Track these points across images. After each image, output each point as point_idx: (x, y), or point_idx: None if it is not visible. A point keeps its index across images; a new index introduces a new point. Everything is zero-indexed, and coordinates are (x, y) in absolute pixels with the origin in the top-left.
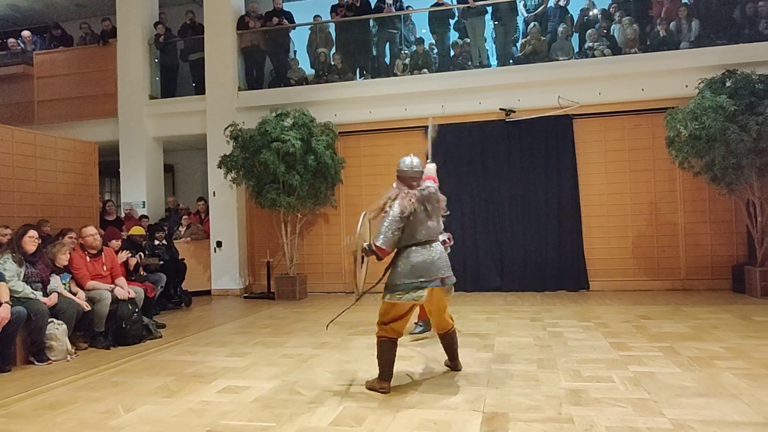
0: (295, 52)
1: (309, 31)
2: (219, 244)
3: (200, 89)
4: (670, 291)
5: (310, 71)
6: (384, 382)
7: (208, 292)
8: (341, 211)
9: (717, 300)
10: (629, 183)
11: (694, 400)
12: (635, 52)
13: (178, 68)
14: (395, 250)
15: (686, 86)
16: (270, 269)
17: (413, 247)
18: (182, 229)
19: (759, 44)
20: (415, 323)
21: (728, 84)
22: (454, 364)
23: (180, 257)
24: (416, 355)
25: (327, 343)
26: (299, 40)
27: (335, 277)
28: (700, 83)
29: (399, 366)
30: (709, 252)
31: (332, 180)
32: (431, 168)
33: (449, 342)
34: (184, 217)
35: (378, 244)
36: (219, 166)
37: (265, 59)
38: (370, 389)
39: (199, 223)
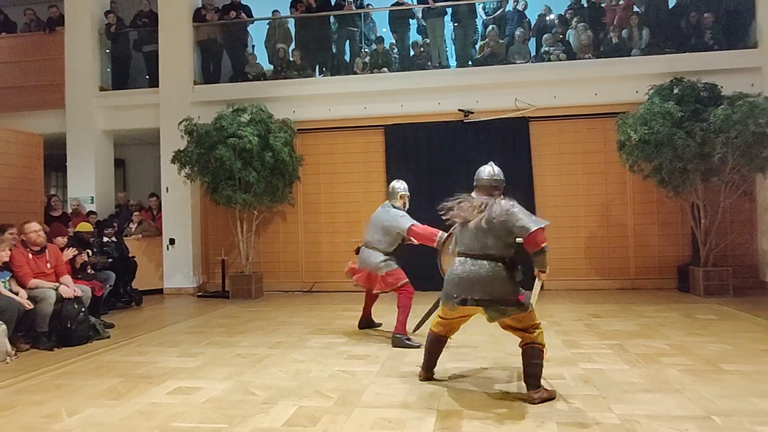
0: (253, 46)
1: (267, 26)
2: (172, 241)
3: (154, 82)
4: (620, 290)
5: (268, 67)
6: (423, 372)
7: (160, 291)
8: (299, 209)
9: (663, 299)
10: (582, 185)
11: (640, 395)
12: (589, 58)
13: (130, 59)
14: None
15: (637, 92)
16: (225, 267)
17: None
18: (133, 226)
19: (704, 54)
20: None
21: (676, 91)
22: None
23: (130, 255)
24: (372, 354)
25: (282, 343)
26: (257, 34)
27: (292, 275)
28: (649, 89)
29: (357, 365)
30: (657, 253)
31: (290, 177)
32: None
33: (524, 357)
34: (135, 213)
35: (540, 226)
36: (173, 162)
37: (222, 53)
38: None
39: (151, 220)
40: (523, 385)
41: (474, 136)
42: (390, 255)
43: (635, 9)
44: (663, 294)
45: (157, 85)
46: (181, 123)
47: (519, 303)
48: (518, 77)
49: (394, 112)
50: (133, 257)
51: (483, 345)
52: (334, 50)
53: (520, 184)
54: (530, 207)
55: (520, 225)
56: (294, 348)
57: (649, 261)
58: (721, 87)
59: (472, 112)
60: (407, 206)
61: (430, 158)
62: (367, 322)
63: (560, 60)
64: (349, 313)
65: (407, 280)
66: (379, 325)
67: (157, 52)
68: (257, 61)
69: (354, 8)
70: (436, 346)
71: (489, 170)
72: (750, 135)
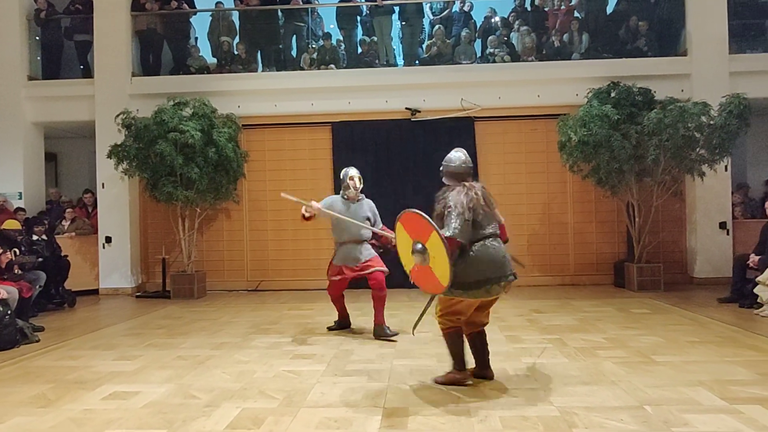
0: (196, 38)
1: (211, 18)
2: (108, 239)
3: (88, 72)
4: (560, 286)
5: (211, 60)
6: (462, 372)
7: (95, 292)
8: (244, 206)
9: (601, 294)
10: (525, 184)
11: (578, 388)
12: (532, 60)
13: (62, 48)
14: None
15: (577, 95)
16: (165, 266)
17: (485, 241)
18: (66, 224)
19: (639, 59)
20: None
21: (613, 95)
22: (485, 372)
23: (63, 254)
24: (318, 353)
25: (226, 344)
26: (200, 26)
27: (237, 274)
28: (588, 93)
29: (303, 365)
30: (595, 250)
31: (234, 174)
32: None
33: (477, 343)
34: (68, 210)
35: (448, 234)
36: (109, 156)
37: (162, 44)
38: (451, 383)
39: (86, 217)
40: (471, 380)
41: (421, 135)
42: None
43: (576, 14)
44: (600, 289)
45: (92, 76)
46: (118, 116)
47: None
48: (464, 77)
49: (341, 110)
50: (66, 256)
51: (428, 341)
52: (280, 45)
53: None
54: None
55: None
56: (238, 348)
57: (588, 258)
58: (655, 92)
59: (419, 111)
60: (359, 190)
61: (378, 156)
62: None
63: (505, 62)
64: (296, 312)
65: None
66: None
67: (90, 41)
68: (200, 54)
69: (300, 3)
70: (461, 339)
71: (462, 157)
72: (680, 138)
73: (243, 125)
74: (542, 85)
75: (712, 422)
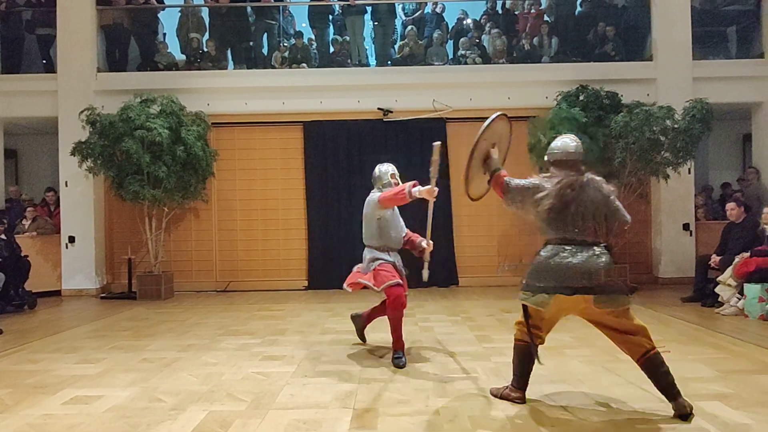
0: (164, 34)
1: (179, 14)
2: (72, 239)
3: (51, 67)
4: None
5: (180, 56)
6: (517, 390)
7: (57, 293)
8: (213, 205)
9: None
10: None
11: (546, 387)
12: (503, 63)
13: (23, 41)
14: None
15: (546, 97)
16: (132, 267)
17: (558, 245)
18: (26, 223)
19: (607, 64)
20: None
21: (581, 98)
22: (674, 404)
23: (23, 254)
24: (288, 355)
25: (193, 345)
26: (169, 22)
27: (206, 275)
28: (557, 95)
29: (272, 366)
30: None
31: (203, 173)
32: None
33: (650, 373)
34: (29, 209)
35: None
36: (73, 154)
37: (129, 40)
38: (500, 397)
39: (48, 217)
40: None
41: (393, 135)
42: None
43: (545, 18)
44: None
45: (55, 71)
46: (82, 112)
47: None
48: (436, 78)
49: (313, 109)
50: (26, 256)
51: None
52: (251, 43)
53: (437, 184)
54: (446, 205)
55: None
56: (206, 350)
57: None
58: (622, 95)
59: (391, 111)
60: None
61: (350, 156)
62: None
63: (476, 63)
64: (265, 312)
65: (397, 280)
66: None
67: (53, 35)
68: (168, 50)
69: (272, 0)
70: (528, 357)
71: (572, 144)
72: (645, 141)
73: (212, 123)
74: (513, 87)
75: (675, 419)
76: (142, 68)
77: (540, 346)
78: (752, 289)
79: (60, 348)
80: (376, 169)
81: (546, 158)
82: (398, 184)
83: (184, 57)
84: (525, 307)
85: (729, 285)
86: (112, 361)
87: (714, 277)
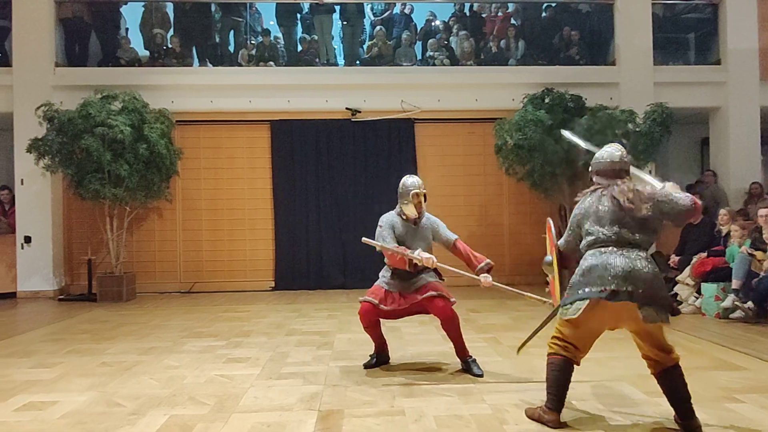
0: (126, 29)
1: (143, 9)
2: (27, 239)
3: (6, 60)
4: None
5: (143, 52)
6: (551, 412)
7: (12, 295)
8: (177, 205)
9: (535, 294)
10: (463, 186)
11: (511, 385)
12: (471, 65)
13: None
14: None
15: (513, 100)
16: (92, 268)
17: (593, 249)
18: None
19: (571, 67)
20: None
21: (546, 100)
22: (685, 424)
23: None
24: (252, 357)
25: (155, 348)
26: (131, 17)
27: (169, 276)
28: (524, 98)
29: (236, 369)
30: (529, 250)
31: (167, 172)
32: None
33: (668, 386)
34: None
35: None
36: (29, 151)
37: (90, 34)
38: (532, 418)
39: (2, 216)
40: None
41: (361, 135)
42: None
43: (512, 22)
44: (534, 289)
45: (10, 64)
46: (39, 108)
47: None
48: (404, 79)
49: (280, 108)
50: None
51: (364, 343)
52: (217, 40)
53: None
54: None
55: None
56: (168, 353)
57: (522, 258)
58: (586, 99)
59: (360, 111)
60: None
61: (318, 155)
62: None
63: (444, 65)
64: (231, 314)
65: (367, 297)
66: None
67: (9, 27)
68: (131, 46)
69: None
70: (562, 374)
71: (616, 153)
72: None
73: (177, 121)
74: (480, 89)
75: (634, 415)
76: (103, 64)
77: (506, 346)
78: (709, 288)
79: (14, 352)
80: (401, 182)
81: (590, 168)
82: (421, 203)
83: (147, 53)
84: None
85: (687, 284)
86: (68, 366)
87: (673, 276)
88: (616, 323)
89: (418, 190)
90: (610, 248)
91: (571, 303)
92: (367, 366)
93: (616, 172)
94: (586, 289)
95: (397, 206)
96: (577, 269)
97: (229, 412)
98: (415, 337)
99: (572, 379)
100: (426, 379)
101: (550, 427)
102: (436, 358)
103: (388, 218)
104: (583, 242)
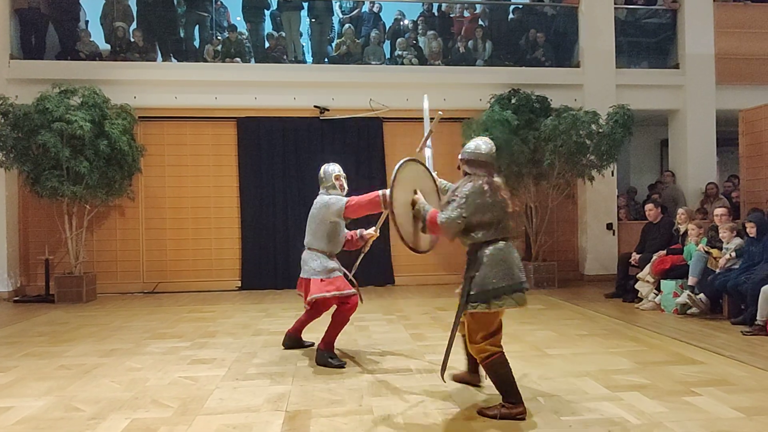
0: (86, 22)
1: (104, 1)
2: None
3: None
4: None
5: (104, 46)
6: (516, 406)
7: None
8: (140, 203)
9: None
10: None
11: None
12: (439, 65)
13: None
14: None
15: (480, 100)
16: (49, 268)
17: (502, 242)
18: None
19: (537, 69)
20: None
21: (513, 101)
22: (471, 376)
23: None
24: (218, 358)
25: (116, 350)
26: (91, 9)
27: (132, 276)
28: (491, 98)
29: (201, 370)
30: None
31: (129, 169)
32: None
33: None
34: None
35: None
36: None
37: (47, 26)
38: (501, 418)
39: None
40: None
41: (329, 133)
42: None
43: (480, 22)
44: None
45: None
46: None
47: None
48: (373, 78)
49: (247, 105)
50: None
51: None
52: (182, 34)
53: (374, 182)
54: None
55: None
56: (130, 355)
57: None
58: (551, 100)
59: (328, 110)
60: (346, 190)
61: (285, 153)
62: (293, 341)
63: (413, 64)
64: (196, 314)
65: (352, 291)
66: (311, 344)
67: None
68: (91, 39)
69: None
70: (507, 366)
71: (488, 146)
72: (573, 144)
73: (139, 117)
74: (448, 88)
75: (597, 409)
76: (61, 57)
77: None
78: (668, 285)
79: None
80: (321, 170)
81: (459, 156)
82: (343, 186)
83: (108, 47)
84: (483, 316)
85: (647, 281)
86: (24, 369)
87: (634, 274)
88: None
89: (339, 173)
90: (508, 242)
91: (495, 297)
92: (340, 366)
93: (483, 164)
94: (510, 282)
95: (324, 191)
96: (486, 261)
97: (193, 415)
98: (383, 336)
99: (541, 375)
100: (394, 378)
101: (521, 419)
102: (405, 357)
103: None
104: (481, 233)
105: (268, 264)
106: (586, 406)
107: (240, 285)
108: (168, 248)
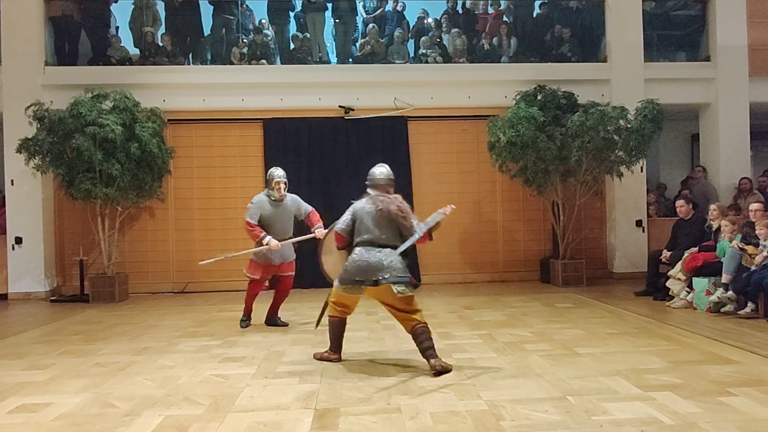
0: (117, 28)
1: (133, 7)
2: (18, 240)
3: None
4: (489, 282)
5: (134, 51)
6: (334, 353)
7: (3, 297)
8: (170, 204)
9: (528, 290)
10: (456, 183)
11: (506, 381)
12: (463, 62)
13: None
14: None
15: (506, 97)
16: (84, 269)
17: (361, 247)
18: None
19: (563, 64)
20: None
21: (539, 97)
22: (430, 364)
23: None
24: (248, 356)
25: (149, 348)
26: (121, 15)
27: (162, 276)
28: (516, 95)
29: (231, 368)
30: (522, 247)
31: (159, 171)
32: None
33: (416, 341)
34: None
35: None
36: (19, 151)
37: (80, 33)
38: (320, 359)
39: None
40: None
41: (354, 133)
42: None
43: (504, 19)
44: (527, 285)
45: None
46: (29, 108)
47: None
48: (397, 77)
49: (273, 106)
50: None
51: (361, 341)
52: (208, 37)
53: (398, 181)
54: (408, 203)
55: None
56: (162, 353)
57: (516, 255)
58: (578, 95)
59: (353, 109)
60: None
61: (311, 154)
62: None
63: (437, 62)
64: (225, 313)
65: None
66: (286, 324)
67: None
68: (122, 44)
69: None
70: (341, 328)
71: (384, 171)
72: (600, 140)
73: (169, 120)
74: (473, 86)
75: (628, 409)
76: (93, 62)
77: (500, 342)
78: (700, 283)
79: (5, 354)
80: (269, 173)
81: (366, 182)
82: (281, 189)
83: (138, 51)
84: (337, 291)
85: (679, 279)
86: (61, 367)
87: (665, 271)
88: (377, 297)
89: (280, 179)
90: (372, 247)
91: (347, 284)
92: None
93: (386, 187)
94: (357, 278)
95: (266, 190)
96: (350, 258)
97: (225, 412)
98: (409, 335)
99: (570, 374)
100: (421, 377)
101: (335, 361)
102: None
103: (257, 200)
104: (357, 238)
105: (295, 264)
106: (617, 406)
107: (267, 284)
108: (197, 249)
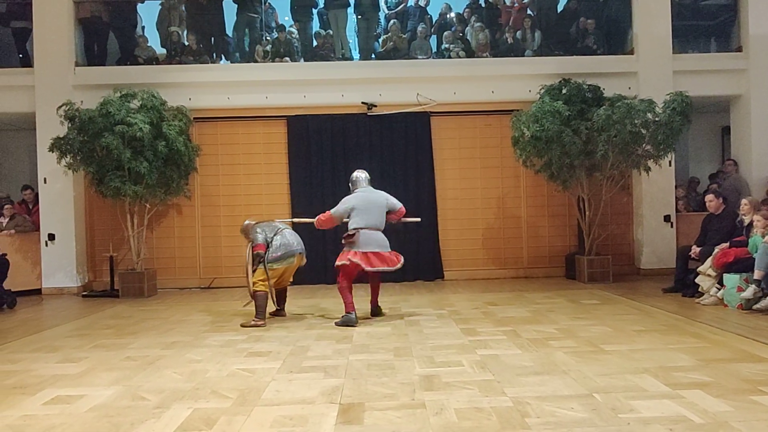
0: (143, 28)
1: (160, 7)
2: (51, 237)
3: (28, 61)
4: (514, 279)
5: (161, 50)
6: (260, 320)
7: (38, 292)
8: (196, 201)
9: (553, 286)
10: (480, 179)
11: (531, 378)
12: (486, 56)
13: None
14: None
15: (530, 91)
16: (113, 264)
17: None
18: (4, 221)
19: (588, 57)
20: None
21: (564, 91)
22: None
23: (1, 252)
24: (274, 351)
25: (177, 342)
26: (148, 15)
27: (189, 272)
28: (541, 89)
29: (257, 363)
30: (547, 243)
31: (186, 168)
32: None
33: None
34: (7, 206)
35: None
36: (51, 150)
37: (108, 33)
38: (244, 325)
39: (27, 214)
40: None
41: (377, 129)
42: None
43: (528, 12)
44: (552, 281)
45: (32, 65)
46: (60, 108)
47: None
48: (420, 72)
49: (296, 103)
50: (5, 255)
51: (385, 336)
52: (233, 36)
53: (422, 177)
54: (431, 199)
55: None
56: (190, 348)
57: (540, 251)
58: (603, 89)
59: (376, 105)
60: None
61: (334, 150)
62: (375, 311)
63: (460, 57)
64: (250, 308)
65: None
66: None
67: (29, 28)
68: (149, 44)
69: None
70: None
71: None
72: (627, 134)
73: (194, 118)
74: (496, 81)
75: (657, 407)
76: (121, 62)
77: (525, 339)
78: (731, 279)
79: (40, 347)
80: (355, 176)
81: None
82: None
83: (164, 51)
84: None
85: (708, 275)
86: (94, 360)
87: (694, 267)
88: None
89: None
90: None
91: (277, 261)
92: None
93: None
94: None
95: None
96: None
97: (251, 405)
98: (433, 331)
99: (596, 371)
100: (446, 372)
101: (261, 326)
102: (456, 352)
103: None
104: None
105: (318, 260)
106: (645, 404)
107: (292, 280)
108: (223, 245)
